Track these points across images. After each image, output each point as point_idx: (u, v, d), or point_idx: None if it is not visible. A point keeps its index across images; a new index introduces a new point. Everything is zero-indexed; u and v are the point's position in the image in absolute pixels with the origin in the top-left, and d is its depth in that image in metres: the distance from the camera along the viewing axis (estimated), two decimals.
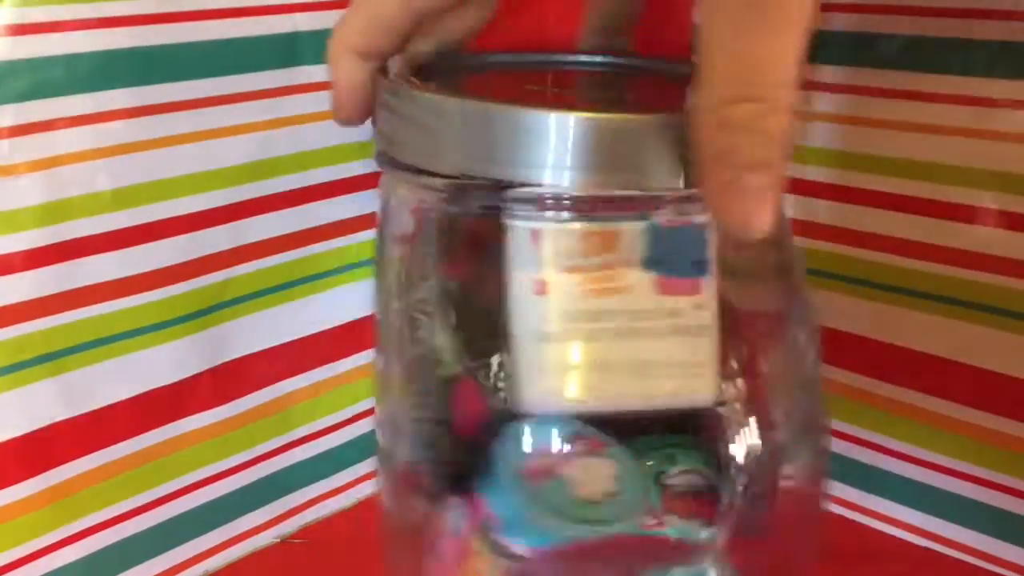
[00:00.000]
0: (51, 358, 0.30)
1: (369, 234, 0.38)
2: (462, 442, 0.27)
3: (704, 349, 0.24)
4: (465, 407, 0.27)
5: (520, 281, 0.24)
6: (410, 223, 0.27)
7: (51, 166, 0.29)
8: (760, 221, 0.20)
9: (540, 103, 0.24)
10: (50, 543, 0.31)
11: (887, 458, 0.38)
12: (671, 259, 0.24)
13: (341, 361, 0.38)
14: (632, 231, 0.24)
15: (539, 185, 0.23)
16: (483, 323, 0.26)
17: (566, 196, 0.23)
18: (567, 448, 0.25)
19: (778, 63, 0.20)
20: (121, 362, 0.31)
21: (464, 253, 0.28)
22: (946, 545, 0.37)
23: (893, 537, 0.38)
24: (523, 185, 0.23)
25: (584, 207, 0.24)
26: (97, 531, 0.32)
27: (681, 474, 0.26)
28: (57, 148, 0.29)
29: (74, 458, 0.31)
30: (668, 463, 0.26)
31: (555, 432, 0.25)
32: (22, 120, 0.28)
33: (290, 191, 0.35)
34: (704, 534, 0.26)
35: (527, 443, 0.25)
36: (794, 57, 0.20)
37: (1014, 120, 0.32)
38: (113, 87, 0.30)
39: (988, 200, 0.33)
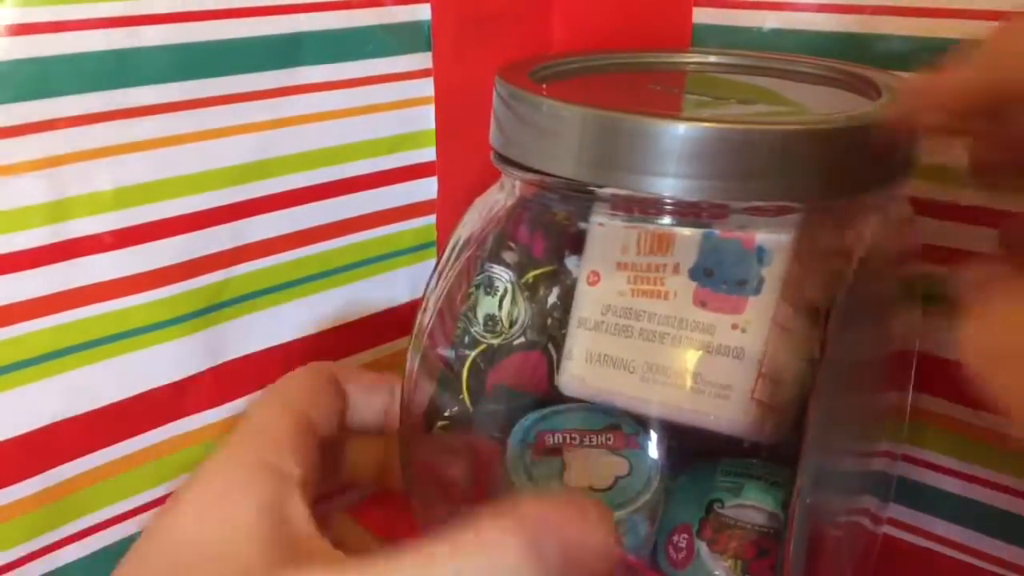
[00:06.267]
0: (52, 357, 0.30)
1: (368, 235, 0.38)
2: (516, 397, 0.27)
3: (735, 372, 0.23)
4: (530, 372, 0.27)
5: (584, 272, 0.25)
6: (511, 213, 0.28)
7: (52, 165, 0.29)
8: None
9: (651, 110, 0.24)
10: (50, 543, 0.31)
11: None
12: (716, 273, 0.24)
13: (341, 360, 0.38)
14: (687, 237, 0.24)
15: (629, 190, 0.23)
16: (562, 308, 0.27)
17: (638, 197, 0.24)
18: (578, 435, 0.25)
19: None
20: (121, 361, 0.31)
21: (559, 245, 0.28)
22: (946, 545, 0.37)
23: (890, 537, 0.38)
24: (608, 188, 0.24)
25: (653, 209, 0.24)
26: (97, 531, 0.32)
27: (738, 507, 0.25)
28: (58, 148, 0.29)
29: (74, 458, 0.31)
30: (731, 493, 0.25)
31: (577, 416, 0.25)
32: (23, 119, 0.28)
33: (290, 191, 0.35)
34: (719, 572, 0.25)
35: (546, 418, 0.25)
36: None
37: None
38: (114, 87, 0.30)
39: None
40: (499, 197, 0.29)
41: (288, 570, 0.24)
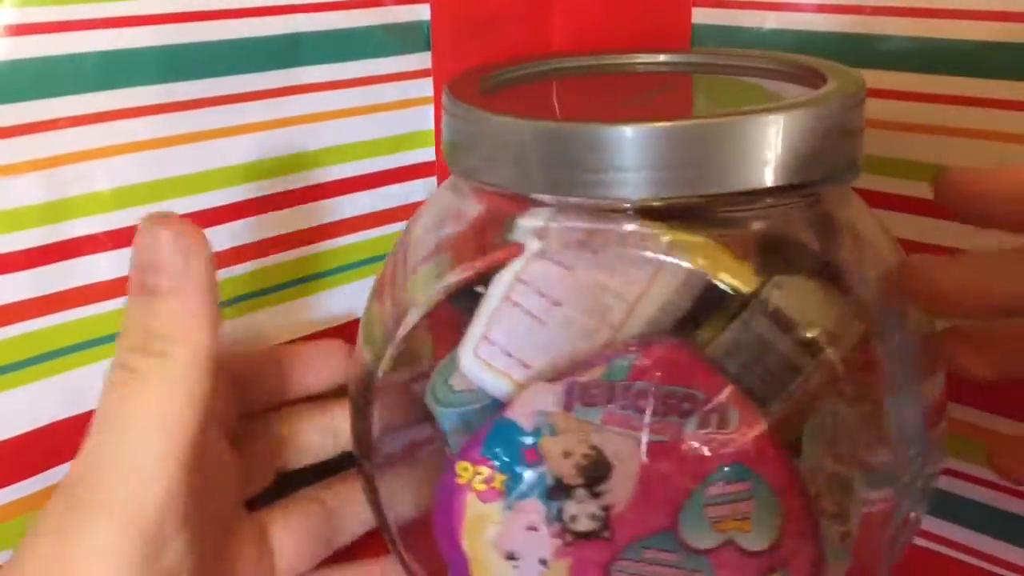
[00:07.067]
0: (50, 357, 0.30)
1: (368, 234, 0.38)
2: None
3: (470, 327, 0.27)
4: None
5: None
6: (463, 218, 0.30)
7: (51, 166, 0.29)
8: None
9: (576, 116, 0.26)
10: None
11: None
12: None
13: None
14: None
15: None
16: None
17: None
18: None
19: None
20: None
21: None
22: (946, 545, 0.37)
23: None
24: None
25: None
26: None
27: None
28: (57, 148, 0.29)
29: (72, 458, 0.31)
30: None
31: None
32: (22, 120, 0.28)
33: (289, 191, 0.35)
34: None
35: None
36: None
37: (1014, 121, 0.32)
38: (113, 87, 0.30)
39: None
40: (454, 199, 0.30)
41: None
